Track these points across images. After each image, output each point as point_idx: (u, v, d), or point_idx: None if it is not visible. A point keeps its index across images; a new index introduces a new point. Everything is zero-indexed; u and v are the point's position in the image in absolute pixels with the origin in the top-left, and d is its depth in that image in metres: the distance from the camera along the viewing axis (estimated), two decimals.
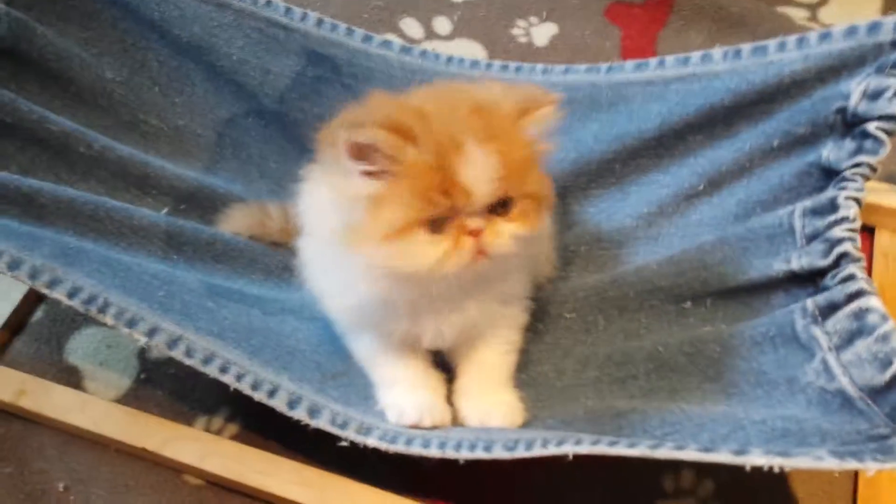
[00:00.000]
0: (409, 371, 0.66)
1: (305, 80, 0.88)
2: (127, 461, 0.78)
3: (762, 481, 0.68)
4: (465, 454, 0.59)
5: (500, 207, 0.54)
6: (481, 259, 0.54)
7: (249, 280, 0.80)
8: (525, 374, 0.71)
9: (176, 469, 0.77)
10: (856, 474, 0.73)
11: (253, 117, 0.91)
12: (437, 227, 0.53)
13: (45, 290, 0.64)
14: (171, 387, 0.83)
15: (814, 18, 1.14)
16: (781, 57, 0.69)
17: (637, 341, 0.69)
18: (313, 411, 0.64)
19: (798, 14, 1.15)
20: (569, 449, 0.53)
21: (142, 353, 0.86)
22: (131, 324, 0.64)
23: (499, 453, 0.57)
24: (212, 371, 0.65)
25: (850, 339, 0.53)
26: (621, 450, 0.52)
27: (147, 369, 0.85)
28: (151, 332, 0.64)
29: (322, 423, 0.63)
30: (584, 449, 0.53)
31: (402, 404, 0.64)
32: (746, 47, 0.72)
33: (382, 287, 0.57)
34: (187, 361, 0.65)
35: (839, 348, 0.53)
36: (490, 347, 0.66)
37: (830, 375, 0.53)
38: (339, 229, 0.55)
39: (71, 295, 0.64)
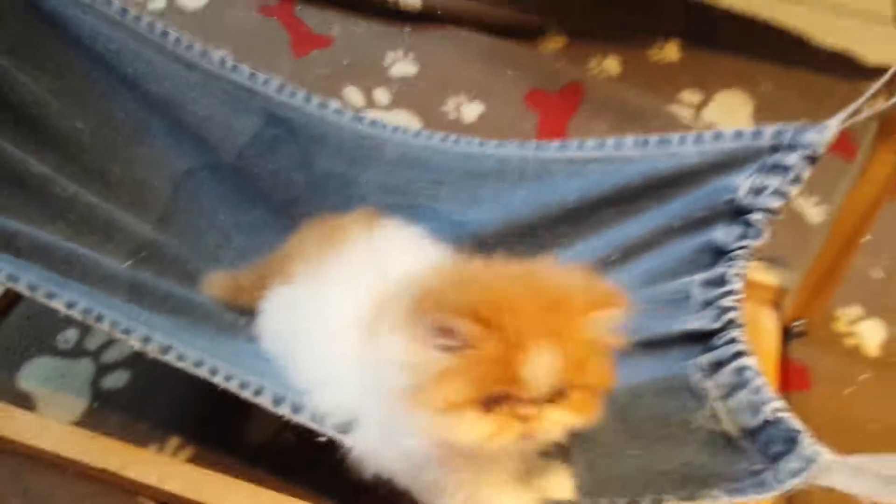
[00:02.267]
0: None
1: (263, 138, 0.93)
2: (84, 483, 0.79)
3: None
4: None
5: (556, 395, 0.55)
6: (527, 440, 0.56)
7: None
8: None
9: (132, 491, 0.78)
10: None
11: (209, 171, 0.95)
12: (490, 406, 0.54)
13: (43, 300, 0.67)
14: (123, 415, 0.86)
15: (697, 117, 1.28)
16: (682, 150, 0.80)
17: None
18: (295, 409, 0.68)
19: (684, 112, 1.29)
20: None
21: (95, 382, 0.88)
22: (127, 332, 0.67)
23: None
24: (202, 373, 0.68)
25: (732, 390, 0.62)
26: None
27: (100, 397, 0.87)
28: (145, 340, 0.68)
29: (304, 419, 0.67)
30: None
31: None
32: (653, 138, 0.82)
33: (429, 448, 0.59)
34: (179, 365, 0.68)
35: (724, 398, 0.63)
36: None
37: (717, 420, 0.62)
38: (402, 388, 0.56)
39: (69, 306, 0.67)
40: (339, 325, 0.68)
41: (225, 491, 0.76)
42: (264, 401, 0.68)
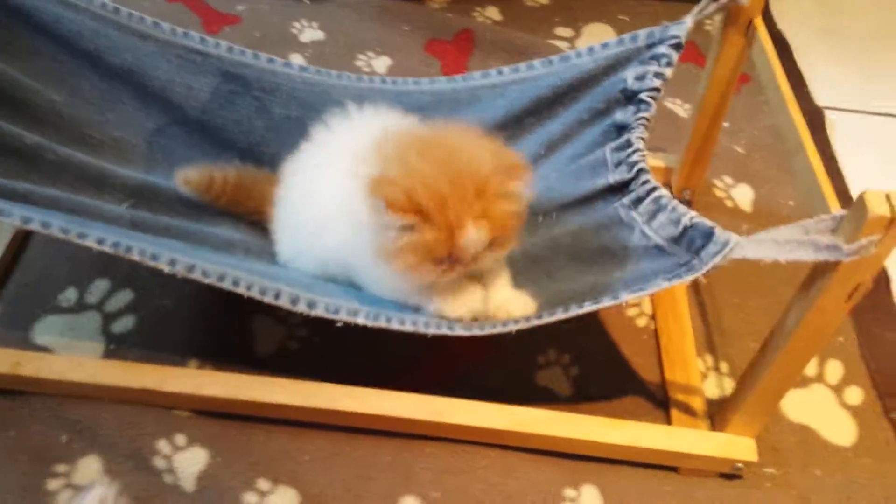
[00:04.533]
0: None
1: (221, 93, 1.03)
2: (120, 407, 0.87)
3: (597, 349, 0.98)
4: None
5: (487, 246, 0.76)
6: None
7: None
8: None
9: (169, 406, 0.88)
10: (656, 330, 1.05)
11: (177, 126, 1.04)
12: (440, 263, 0.75)
13: (77, 241, 0.76)
14: (140, 352, 0.94)
15: (572, 48, 1.50)
16: (579, 61, 0.98)
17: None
18: (311, 304, 0.80)
19: (562, 44, 1.51)
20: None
21: (105, 330, 0.96)
22: (155, 258, 0.77)
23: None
24: (226, 286, 0.78)
25: (654, 214, 0.82)
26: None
27: (114, 341, 0.95)
28: (172, 263, 0.78)
29: (320, 312, 0.80)
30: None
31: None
32: (555, 56, 1.00)
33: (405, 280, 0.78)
34: (205, 281, 0.78)
35: (649, 221, 0.83)
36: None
37: (647, 238, 0.82)
38: (375, 247, 0.76)
39: (100, 242, 0.77)
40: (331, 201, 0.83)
41: (261, 385, 0.86)
42: (284, 302, 0.80)
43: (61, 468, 0.83)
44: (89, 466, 0.84)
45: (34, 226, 0.77)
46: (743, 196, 1.26)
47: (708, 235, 0.74)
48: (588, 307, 0.79)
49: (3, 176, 0.86)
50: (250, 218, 1.01)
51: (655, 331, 1.04)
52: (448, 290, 0.81)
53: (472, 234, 0.73)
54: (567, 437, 0.88)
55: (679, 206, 0.80)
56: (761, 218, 1.22)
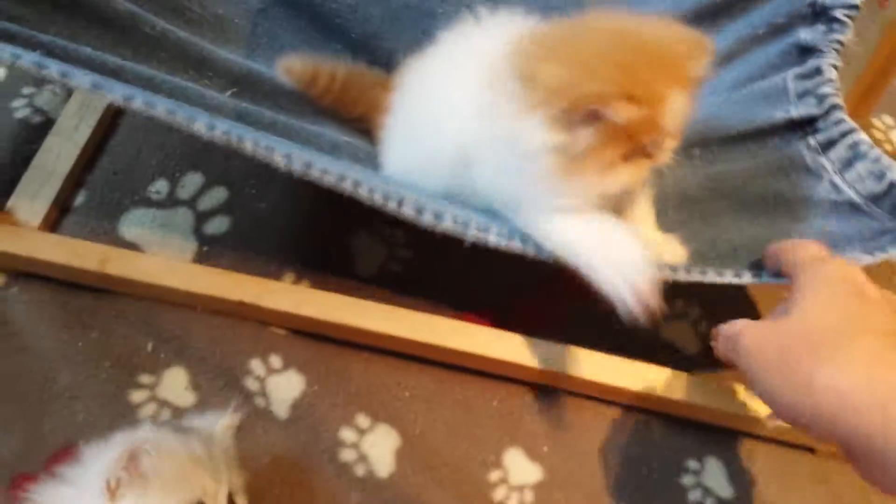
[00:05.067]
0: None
1: None
2: (212, 318, 0.80)
3: (732, 300, 0.86)
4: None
5: None
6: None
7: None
8: None
9: (265, 322, 0.81)
10: None
11: (283, 7, 0.92)
12: (629, 156, 0.59)
13: (183, 126, 0.64)
14: (234, 256, 0.86)
15: None
16: None
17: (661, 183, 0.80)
18: (438, 216, 0.67)
19: None
20: None
21: (197, 229, 0.88)
22: (269, 150, 0.65)
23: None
24: (346, 187, 0.65)
25: (849, 163, 0.68)
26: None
27: (206, 242, 0.87)
28: (287, 157, 0.65)
29: (447, 224, 0.66)
30: None
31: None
32: None
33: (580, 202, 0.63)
34: (324, 179, 0.65)
35: (842, 171, 0.69)
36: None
37: (839, 191, 0.68)
38: (552, 164, 0.60)
39: (210, 128, 0.64)
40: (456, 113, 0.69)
41: (365, 311, 0.78)
42: (407, 210, 0.67)
43: (146, 379, 0.77)
44: (176, 379, 0.77)
45: (136, 104, 0.64)
46: None
47: None
48: (746, 279, 0.66)
49: (93, 46, 0.75)
50: (356, 125, 0.90)
51: None
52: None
53: (674, 105, 0.58)
54: (696, 405, 0.78)
55: (885, 157, 0.66)
56: None
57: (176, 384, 0.77)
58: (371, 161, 0.86)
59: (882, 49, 0.88)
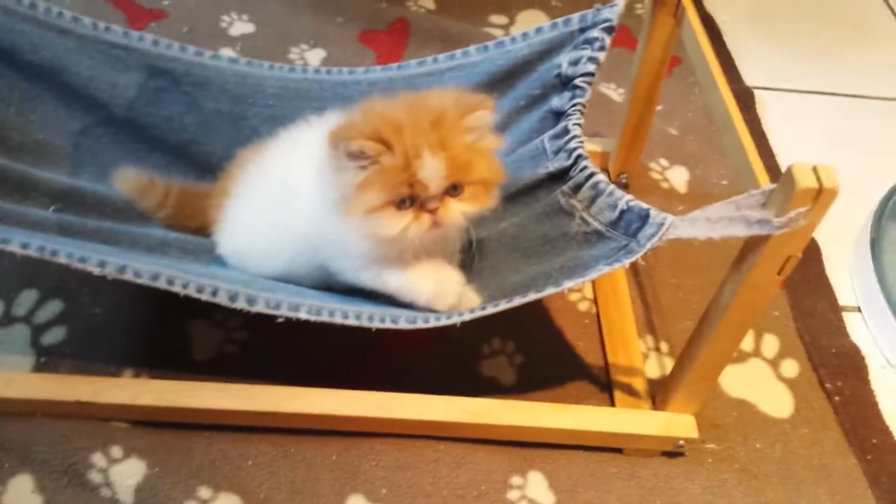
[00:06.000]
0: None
1: (149, 90, 0.98)
2: (53, 422, 0.83)
3: (540, 336, 0.97)
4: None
5: (452, 191, 0.72)
6: (436, 229, 0.73)
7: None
8: None
9: (105, 418, 0.84)
10: (598, 314, 1.05)
11: (103, 126, 0.99)
12: (403, 207, 0.71)
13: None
14: (72, 363, 0.90)
15: (507, 34, 1.48)
16: (514, 47, 0.97)
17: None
18: (251, 300, 0.76)
19: (496, 32, 1.50)
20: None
21: (35, 342, 0.91)
22: (83, 260, 0.73)
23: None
24: (160, 285, 0.74)
25: (593, 200, 0.82)
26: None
27: (44, 353, 0.90)
28: (101, 265, 0.73)
29: (260, 307, 0.76)
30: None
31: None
32: (490, 42, 0.98)
33: (370, 245, 0.76)
34: (138, 281, 0.73)
35: (587, 207, 0.82)
36: None
37: (587, 223, 0.81)
38: (336, 202, 0.72)
39: (24, 247, 0.73)
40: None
41: (199, 391, 0.83)
42: (221, 299, 0.76)
43: None
44: (21, 485, 0.79)
45: None
46: (678, 177, 1.28)
47: (644, 217, 0.74)
48: (531, 296, 0.78)
49: None
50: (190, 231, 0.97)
51: (597, 314, 1.04)
52: (429, 274, 0.79)
53: (430, 163, 0.70)
54: (513, 425, 0.87)
55: (616, 190, 0.80)
56: (696, 198, 1.23)
57: (22, 489, 0.79)
58: (202, 252, 0.94)
59: (639, 88, 1.06)
